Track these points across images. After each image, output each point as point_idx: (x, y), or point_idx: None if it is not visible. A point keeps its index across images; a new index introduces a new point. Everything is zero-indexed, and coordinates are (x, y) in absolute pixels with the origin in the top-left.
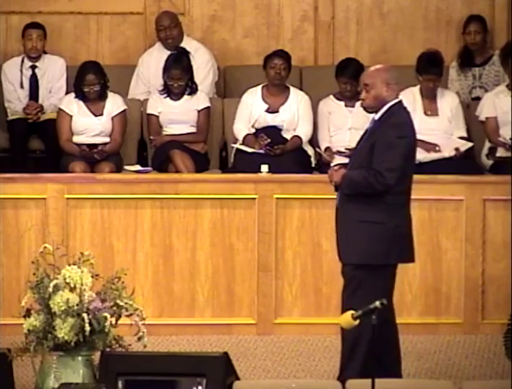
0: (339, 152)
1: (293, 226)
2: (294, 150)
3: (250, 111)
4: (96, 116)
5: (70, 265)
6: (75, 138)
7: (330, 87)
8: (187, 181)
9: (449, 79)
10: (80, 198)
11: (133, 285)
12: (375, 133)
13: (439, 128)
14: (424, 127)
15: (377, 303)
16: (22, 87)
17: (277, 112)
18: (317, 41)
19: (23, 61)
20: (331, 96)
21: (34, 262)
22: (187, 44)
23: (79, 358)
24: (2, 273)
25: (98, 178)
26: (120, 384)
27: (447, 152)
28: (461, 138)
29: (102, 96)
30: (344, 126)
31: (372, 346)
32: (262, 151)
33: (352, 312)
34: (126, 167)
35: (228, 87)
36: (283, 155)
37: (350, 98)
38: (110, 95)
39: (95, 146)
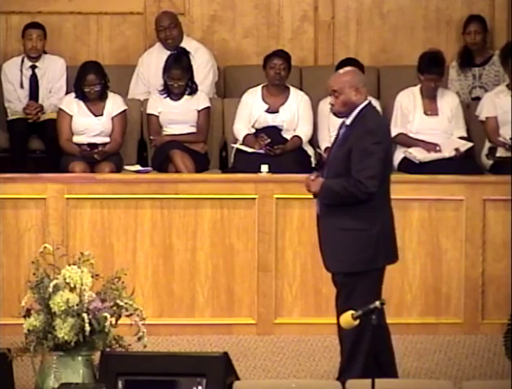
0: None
1: (293, 226)
2: (294, 150)
3: (250, 111)
4: (96, 116)
5: (70, 265)
6: (75, 139)
7: None
8: (187, 181)
9: (449, 78)
10: (80, 198)
11: (133, 285)
12: (349, 139)
13: (439, 128)
14: (424, 127)
15: (377, 303)
16: (22, 87)
17: (277, 112)
18: (317, 41)
19: (23, 61)
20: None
21: (34, 262)
22: (187, 44)
23: (79, 358)
24: (2, 273)
25: (98, 178)
26: (120, 384)
27: (447, 152)
28: (461, 138)
29: (102, 96)
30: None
31: (372, 346)
32: (262, 151)
33: (351, 312)
34: (126, 167)
35: (228, 87)
36: (283, 155)
37: None
38: (110, 95)
39: (95, 146)
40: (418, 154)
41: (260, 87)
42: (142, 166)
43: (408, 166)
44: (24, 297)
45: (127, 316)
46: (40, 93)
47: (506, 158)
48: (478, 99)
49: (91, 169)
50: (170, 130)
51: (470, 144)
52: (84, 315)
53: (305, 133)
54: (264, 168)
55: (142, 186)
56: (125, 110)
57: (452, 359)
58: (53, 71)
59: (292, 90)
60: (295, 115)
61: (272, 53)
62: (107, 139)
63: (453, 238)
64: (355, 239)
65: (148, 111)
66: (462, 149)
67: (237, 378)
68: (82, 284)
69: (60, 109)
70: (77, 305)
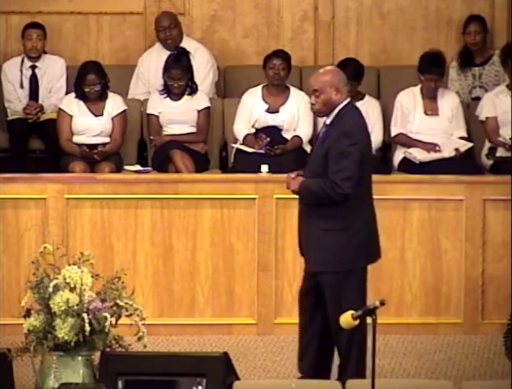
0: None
1: (293, 226)
2: (294, 150)
3: (250, 111)
4: (96, 116)
5: (70, 265)
6: (75, 139)
7: None
8: (187, 181)
9: (449, 78)
10: (80, 198)
11: (133, 285)
12: (328, 139)
13: (439, 128)
14: (424, 127)
15: (377, 302)
16: (22, 87)
17: (277, 112)
18: (317, 41)
19: (23, 61)
20: None
21: (34, 262)
22: (187, 44)
23: (79, 358)
24: (2, 273)
25: (98, 178)
26: (120, 384)
27: (447, 152)
28: (461, 138)
29: (102, 96)
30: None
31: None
32: (262, 151)
33: (352, 312)
34: (126, 167)
35: (228, 87)
36: (283, 155)
37: (350, 98)
38: (110, 95)
39: (95, 146)
40: (418, 154)
41: (260, 87)
42: (142, 166)
43: (408, 166)
44: (24, 297)
45: (127, 316)
46: (40, 93)
47: (506, 158)
48: (478, 99)
49: (91, 169)
50: (170, 130)
51: (470, 144)
52: (84, 315)
53: (305, 133)
54: (264, 168)
55: (142, 186)
56: (125, 110)
57: (452, 359)
58: (53, 71)
59: (293, 90)
60: (295, 115)
61: (272, 54)
62: (107, 139)
63: (453, 238)
64: (335, 239)
65: (148, 111)
66: (462, 149)
67: (237, 378)
68: (82, 284)
69: (60, 109)
70: (77, 305)
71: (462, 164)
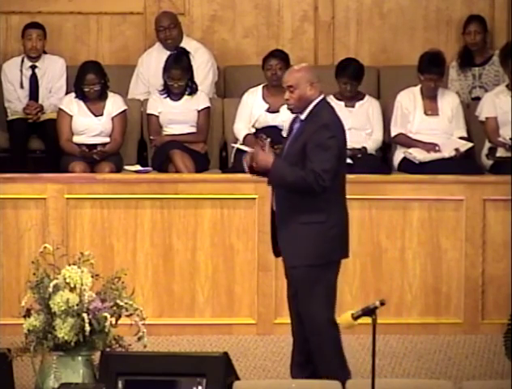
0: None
1: None
2: None
3: (251, 111)
4: (96, 116)
5: (70, 265)
6: (75, 139)
7: (330, 87)
8: (187, 181)
9: (449, 78)
10: (80, 198)
11: (133, 285)
12: (304, 133)
13: (439, 128)
14: (424, 127)
15: (377, 302)
16: (22, 87)
17: (277, 112)
18: (317, 41)
19: (23, 61)
20: (331, 96)
21: (34, 262)
22: (187, 44)
23: (79, 358)
24: (2, 273)
25: (98, 178)
26: (120, 384)
27: (447, 153)
28: (461, 138)
29: (102, 96)
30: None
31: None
32: None
33: (352, 312)
34: (126, 167)
35: (228, 87)
36: None
37: (350, 98)
38: (110, 95)
39: (95, 146)
40: (418, 154)
41: (260, 86)
42: (142, 166)
43: (408, 166)
44: (24, 297)
45: (127, 316)
46: (40, 93)
47: (506, 158)
48: (478, 99)
49: (91, 169)
50: (170, 130)
51: (470, 144)
52: (84, 315)
53: None
54: None
55: (142, 186)
56: (125, 110)
57: (452, 359)
58: (53, 71)
59: None
60: None
61: (269, 54)
62: (107, 139)
63: (453, 238)
64: (313, 232)
65: (148, 111)
66: (462, 149)
67: (237, 378)
68: (82, 284)
69: (60, 109)
70: (77, 305)
71: (462, 164)
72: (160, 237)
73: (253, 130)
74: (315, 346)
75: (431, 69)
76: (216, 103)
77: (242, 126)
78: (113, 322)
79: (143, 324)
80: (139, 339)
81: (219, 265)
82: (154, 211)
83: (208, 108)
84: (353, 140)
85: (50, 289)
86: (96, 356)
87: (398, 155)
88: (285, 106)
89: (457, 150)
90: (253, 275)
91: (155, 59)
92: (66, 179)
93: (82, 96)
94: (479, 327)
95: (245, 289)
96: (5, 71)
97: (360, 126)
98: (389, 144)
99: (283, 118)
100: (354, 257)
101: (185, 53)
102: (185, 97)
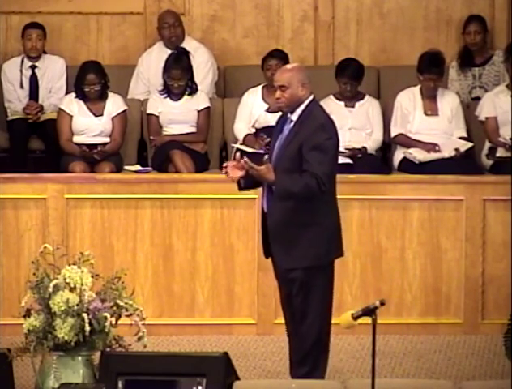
0: (339, 152)
1: None
2: None
3: (250, 111)
4: (96, 116)
5: (70, 265)
6: (75, 139)
7: (330, 87)
8: (187, 181)
9: (449, 79)
10: (80, 198)
11: (133, 285)
12: (299, 134)
13: (439, 128)
14: (424, 127)
15: (377, 302)
16: (22, 87)
17: (277, 112)
18: (317, 41)
19: (22, 61)
20: (331, 96)
21: (34, 262)
22: (187, 43)
23: (79, 358)
24: (2, 273)
25: (98, 178)
26: (120, 384)
27: (447, 153)
28: (461, 138)
29: (102, 96)
30: (344, 126)
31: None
32: (262, 151)
33: (352, 312)
34: (126, 167)
35: (228, 87)
36: None
37: (350, 98)
38: (110, 95)
39: (95, 146)
40: (418, 154)
41: (260, 86)
42: (142, 166)
43: (408, 166)
44: (24, 297)
45: (127, 316)
46: (40, 93)
47: (506, 158)
48: (478, 99)
49: (91, 169)
50: (170, 130)
51: (470, 144)
52: (84, 315)
53: None
54: None
55: (142, 186)
56: (125, 110)
57: (452, 359)
58: (53, 71)
59: None
60: None
61: (268, 54)
62: (107, 139)
63: (453, 238)
64: (310, 234)
65: (148, 111)
66: (462, 149)
67: (237, 378)
68: (82, 284)
69: (60, 109)
70: (77, 305)
71: (462, 164)
72: (160, 237)
73: (253, 130)
74: (310, 346)
75: (430, 69)
76: (216, 103)
77: (242, 126)
78: (113, 322)
79: (143, 324)
80: (139, 339)
81: (219, 265)
82: (154, 211)
83: (208, 108)
84: (353, 140)
85: (50, 289)
86: (96, 356)
87: (398, 155)
88: None
89: (457, 150)
90: (253, 275)
91: (155, 59)
92: (66, 179)
93: (82, 96)
94: (479, 327)
95: (245, 289)
96: (5, 71)
97: (360, 126)
98: (389, 144)
99: None
100: (354, 257)
101: (185, 53)
102: (185, 97)
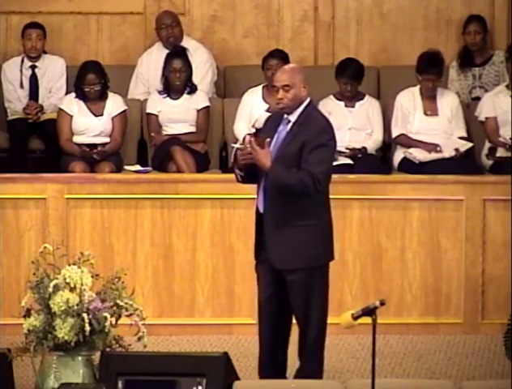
0: (339, 152)
1: None
2: None
3: (250, 111)
4: (96, 116)
5: (70, 265)
6: (75, 138)
7: (330, 87)
8: (187, 181)
9: (449, 79)
10: (80, 198)
11: (133, 285)
12: (299, 136)
13: (439, 128)
14: (424, 127)
15: (377, 302)
16: (22, 87)
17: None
18: (317, 41)
19: (22, 61)
20: (331, 96)
21: (34, 262)
22: (187, 43)
23: (79, 358)
24: (2, 273)
25: (98, 178)
26: (120, 384)
27: (447, 153)
28: (461, 138)
29: (102, 96)
30: (344, 126)
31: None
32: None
33: (352, 312)
34: (126, 167)
35: (228, 87)
36: None
37: (350, 98)
38: (110, 95)
39: (95, 146)
40: (418, 154)
41: (260, 86)
42: (142, 166)
43: (408, 166)
44: (24, 297)
45: (127, 316)
46: (40, 93)
47: (506, 158)
48: (478, 99)
49: (91, 169)
50: (170, 129)
51: (470, 144)
52: (84, 315)
53: None
54: None
55: (142, 186)
56: (125, 110)
57: (452, 359)
58: (53, 71)
59: None
60: None
61: (268, 54)
62: (107, 139)
63: (453, 238)
64: (308, 234)
65: (148, 110)
66: (462, 149)
67: (237, 378)
68: (82, 284)
69: (60, 109)
70: (77, 305)
71: (462, 164)
72: (160, 237)
73: (254, 130)
74: (314, 346)
75: (429, 69)
76: (216, 103)
77: (242, 126)
78: (113, 322)
79: (143, 324)
80: (139, 339)
81: (219, 265)
82: (154, 211)
83: (208, 107)
84: (353, 140)
85: (50, 289)
86: (96, 356)
87: (399, 155)
88: None
89: (457, 150)
90: (253, 275)
91: (155, 59)
92: (66, 179)
93: (82, 96)
94: (479, 327)
95: (245, 289)
96: (5, 71)
97: (360, 126)
98: (389, 144)
99: None
100: (354, 257)
101: (183, 50)
102: (185, 96)
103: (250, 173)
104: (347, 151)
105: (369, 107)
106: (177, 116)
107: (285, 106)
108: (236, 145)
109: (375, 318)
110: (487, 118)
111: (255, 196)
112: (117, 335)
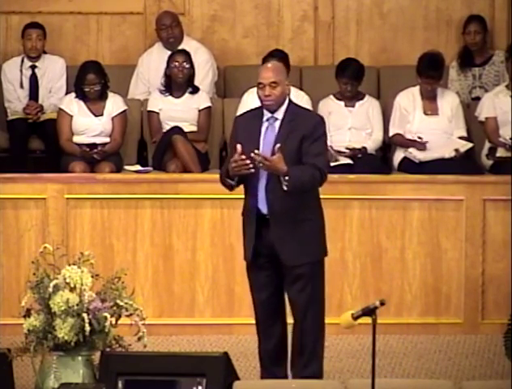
0: (339, 152)
1: None
2: None
3: None
4: (96, 116)
5: (70, 265)
6: (75, 138)
7: (330, 87)
8: (187, 181)
9: (449, 79)
10: (80, 198)
11: (133, 285)
12: (297, 130)
13: (439, 128)
14: (424, 127)
15: (377, 302)
16: (22, 87)
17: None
18: (317, 41)
19: (22, 61)
20: (331, 96)
21: (34, 262)
22: (187, 44)
23: (79, 358)
24: (2, 273)
25: (98, 178)
26: (120, 384)
27: (447, 153)
28: (461, 138)
29: (102, 96)
30: (344, 126)
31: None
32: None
33: (352, 312)
34: (126, 167)
35: (228, 87)
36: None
37: (350, 98)
38: (110, 95)
39: (95, 146)
40: (418, 154)
41: None
42: (142, 166)
43: (408, 166)
44: (24, 297)
45: (127, 316)
46: (40, 93)
47: (506, 158)
48: (478, 99)
49: (91, 169)
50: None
51: (470, 145)
52: (84, 315)
53: None
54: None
55: (142, 186)
56: (125, 110)
57: (452, 359)
58: (53, 71)
59: (293, 90)
60: None
61: (268, 54)
62: (107, 139)
63: (453, 238)
64: (312, 228)
65: (149, 108)
66: (462, 150)
67: (237, 378)
68: (82, 284)
69: (60, 109)
70: (77, 305)
71: (462, 164)
72: (160, 237)
73: None
74: (315, 342)
75: (429, 72)
76: (216, 103)
77: None
78: (113, 322)
79: (143, 324)
80: (139, 339)
81: (219, 265)
82: (154, 211)
83: (209, 107)
84: (353, 140)
85: (50, 289)
86: (96, 356)
87: (399, 155)
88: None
89: (457, 150)
90: None
91: (155, 59)
92: (66, 179)
93: (82, 96)
94: (479, 327)
95: (245, 289)
96: (5, 71)
97: (360, 125)
98: (389, 144)
99: None
100: (354, 257)
101: (186, 51)
102: (187, 95)
103: (241, 179)
104: (347, 151)
105: (369, 107)
106: (179, 114)
107: (273, 103)
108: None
109: (375, 318)
110: (487, 118)
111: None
112: (117, 335)
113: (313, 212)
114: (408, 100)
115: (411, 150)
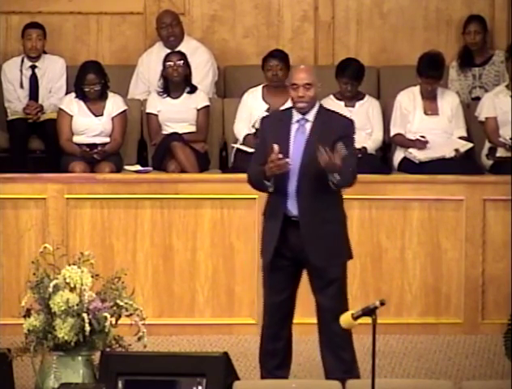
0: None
1: None
2: None
3: (250, 111)
4: (96, 116)
5: (70, 265)
6: (75, 138)
7: (330, 87)
8: (187, 181)
9: (449, 79)
10: (80, 198)
11: (133, 285)
12: (331, 131)
13: (439, 128)
14: (425, 127)
15: (377, 302)
16: (22, 87)
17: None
18: (317, 41)
19: (22, 61)
20: (331, 96)
21: (34, 262)
22: (187, 43)
23: (79, 358)
24: (2, 273)
25: (98, 178)
26: (120, 384)
27: (447, 153)
28: (461, 138)
29: (102, 96)
30: None
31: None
32: None
33: (352, 312)
34: (126, 167)
35: (228, 87)
36: None
37: (350, 98)
38: (110, 95)
39: (95, 146)
40: (418, 154)
41: (260, 86)
42: (142, 166)
43: (408, 166)
44: (24, 297)
45: (127, 316)
46: (40, 93)
47: (506, 158)
48: (478, 99)
49: (91, 169)
50: (170, 129)
51: (470, 145)
52: (84, 315)
53: None
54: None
55: (142, 186)
56: (125, 110)
57: (452, 359)
58: (53, 71)
59: None
60: None
61: (268, 54)
62: (107, 139)
63: (453, 238)
64: (339, 228)
65: (147, 110)
66: (462, 150)
67: (237, 378)
68: (82, 284)
69: (60, 109)
70: (77, 305)
71: (462, 164)
72: (160, 237)
73: (254, 130)
74: (345, 343)
75: (429, 72)
76: (216, 103)
77: (242, 126)
78: (113, 322)
79: (143, 324)
80: (139, 339)
81: (219, 265)
82: (154, 211)
83: (207, 107)
84: None
85: (50, 289)
86: (96, 356)
87: (399, 155)
88: (284, 106)
89: (457, 150)
90: (253, 275)
91: (155, 59)
92: (66, 179)
93: (82, 95)
94: (479, 327)
95: (245, 289)
96: (5, 71)
97: (360, 125)
98: (389, 144)
99: None
100: (354, 257)
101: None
102: (185, 95)
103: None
104: None
105: (369, 107)
106: (177, 115)
107: (306, 105)
108: (236, 145)
109: (375, 318)
110: (487, 118)
111: (255, 196)
112: (117, 335)
113: (339, 213)
114: (409, 99)
115: (411, 150)
